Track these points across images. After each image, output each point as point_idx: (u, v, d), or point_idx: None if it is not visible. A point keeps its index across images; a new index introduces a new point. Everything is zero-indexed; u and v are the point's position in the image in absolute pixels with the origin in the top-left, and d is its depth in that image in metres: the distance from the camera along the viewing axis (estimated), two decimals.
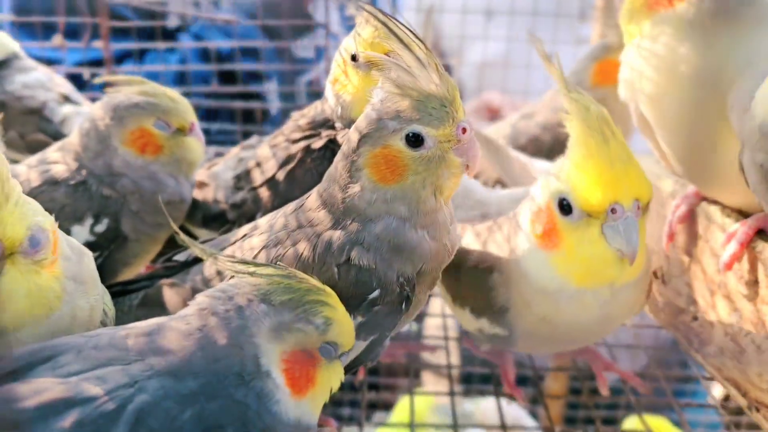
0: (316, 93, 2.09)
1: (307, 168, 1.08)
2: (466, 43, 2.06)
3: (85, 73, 1.64)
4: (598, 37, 1.65)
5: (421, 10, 1.93)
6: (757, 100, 0.76)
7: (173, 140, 1.05)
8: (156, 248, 1.10)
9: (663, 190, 1.10)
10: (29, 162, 1.07)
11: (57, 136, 1.36)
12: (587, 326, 0.85)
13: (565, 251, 0.78)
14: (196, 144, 1.08)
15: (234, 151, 1.25)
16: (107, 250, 1.03)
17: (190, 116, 1.07)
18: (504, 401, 1.28)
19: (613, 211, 0.76)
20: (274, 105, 2.07)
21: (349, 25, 1.85)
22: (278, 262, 0.76)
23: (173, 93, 1.06)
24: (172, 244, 1.07)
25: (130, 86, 1.05)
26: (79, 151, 1.04)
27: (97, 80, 1.09)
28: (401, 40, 0.73)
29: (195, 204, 1.14)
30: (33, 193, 1.00)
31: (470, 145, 0.75)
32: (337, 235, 0.77)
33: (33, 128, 1.38)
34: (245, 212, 1.15)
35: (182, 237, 0.71)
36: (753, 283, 0.90)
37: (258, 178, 1.13)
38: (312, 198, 0.82)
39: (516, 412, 1.65)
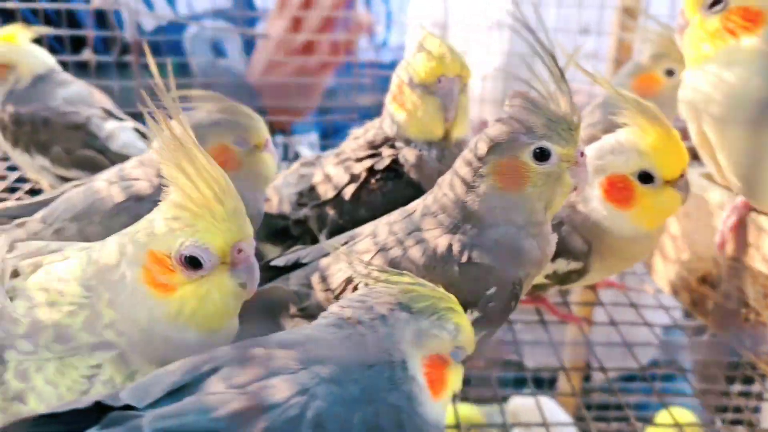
0: None
1: (372, 188, 1.13)
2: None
3: None
4: (615, 51, 1.75)
5: (435, 26, 1.98)
6: None
7: (251, 156, 1.08)
8: None
9: (710, 201, 1.18)
10: (108, 178, 1.08)
11: (104, 151, 1.38)
12: (646, 252, 1.14)
13: (642, 208, 1.01)
14: (270, 159, 1.11)
15: (294, 167, 1.28)
16: None
17: (265, 132, 1.10)
18: (542, 399, 1.33)
19: (681, 176, 0.99)
20: None
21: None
22: (400, 269, 0.80)
23: (249, 110, 1.09)
24: None
25: (207, 103, 1.08)
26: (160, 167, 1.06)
27: (176, 94, 1.11)
28: (546, 62, 0.80)
29: None
30: (118, 209, 1.03)
31: (583, 169, 0.83)
32: (456, 237, 0.82)
33: (79, 144, 1.38)
34: (308, 229, 1.18)
35: (330, 243, 0.75)
36: None
37: (323, 195, 1.17)
38: (426, 204, 0.87)
39: (553, 409, 1.70)
